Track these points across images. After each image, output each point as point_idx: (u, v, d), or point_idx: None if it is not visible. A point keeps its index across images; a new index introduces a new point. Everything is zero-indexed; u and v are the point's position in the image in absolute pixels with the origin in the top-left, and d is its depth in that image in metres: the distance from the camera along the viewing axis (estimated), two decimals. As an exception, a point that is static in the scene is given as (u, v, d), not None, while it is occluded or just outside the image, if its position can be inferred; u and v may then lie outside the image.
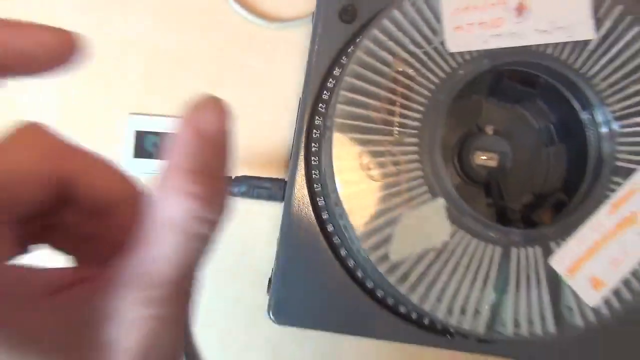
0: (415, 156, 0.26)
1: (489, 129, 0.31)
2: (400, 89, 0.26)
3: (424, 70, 0.27)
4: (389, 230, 0.26)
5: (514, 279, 0.26)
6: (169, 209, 0.13)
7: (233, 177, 0.37)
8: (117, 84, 0.40)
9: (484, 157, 0.31)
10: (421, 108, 0.27)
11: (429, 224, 0.25)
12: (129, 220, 0.14)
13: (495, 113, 0.32)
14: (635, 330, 0.29)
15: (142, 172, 0.39)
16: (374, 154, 0.26)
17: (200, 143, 0.13)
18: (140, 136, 0.40)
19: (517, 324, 0.26)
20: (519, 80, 0.30)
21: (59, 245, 0.17)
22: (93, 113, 0.40)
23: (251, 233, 0.39)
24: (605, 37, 0.27)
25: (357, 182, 0.26)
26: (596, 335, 0.30)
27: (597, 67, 0.27)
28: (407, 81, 0.26)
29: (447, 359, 0.35)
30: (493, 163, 0.31)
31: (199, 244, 0.13)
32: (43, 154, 0.15)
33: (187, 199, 0.13)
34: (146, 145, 0.40)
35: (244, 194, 0.36)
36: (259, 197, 0.36)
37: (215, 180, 0.13)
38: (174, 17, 0.42)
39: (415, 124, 0.26)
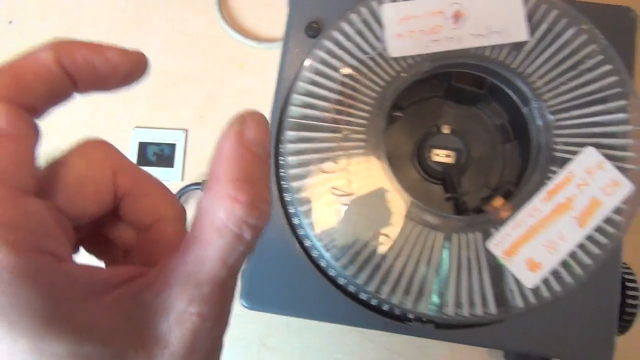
0: (362, 150, 0.29)
1: (446, 129, 0.34)
2: (348, 92, 0.29)
3: (370, 74, 0.30)
4: (337, 218, 0.28)
5: (455, 262, 0.28)
6: (217, 213, 0.14)
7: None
8: (124, 100, 0.45)
9: (440, 154, 0.33)
10: (368, 108, 0.29)
11: (374, 211, 0.28)
12: (166, 237, 0.16)
13: (453, 114, 0.35)
14: (575, 311, 0.30)
15: (144, 178, 0.44)
16: (324, 150, 0.29)
17: (243, 153, 0.14)
18: (143, 147, 0.44)
19: (458, 306, 0.28)
20: (468, 83, 0.32)
21: (93, 249, 0.19)
22: (102, 126, 0.45)
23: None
24: (541, 39, 0.30)
25: (309, 175, 0.29)
26: (550, 316, 0.31)
27: (533, 66, 0.29)
28: (354, 84, 0.29)
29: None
30: (449, 160, 0.33)
31: (243, 247, 0.14)
32: (110, 170, 0.17)
33: (234, 204, 0.14)
34: (148, 154, 0.44)
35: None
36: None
37: (258, 188, 0.14)
38: (179, 43, 0.47)
39: (363, 121, 0.29)
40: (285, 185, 0.34)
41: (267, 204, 0.15)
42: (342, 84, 0.29)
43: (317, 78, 0.30)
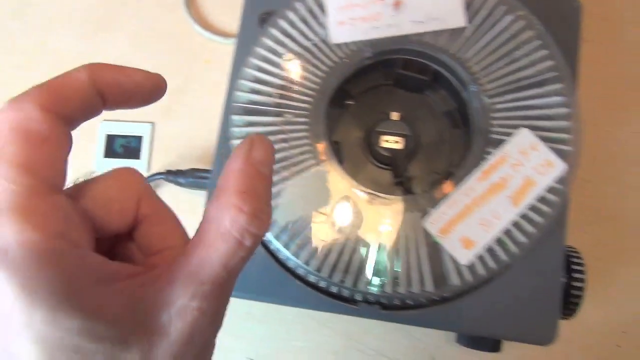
0: (304, 133, 0.30)
1: (395, 116, 0.35)
2: (291, 77, 0.30)
3: (314, 60, 0.31)
4: (279, 200, 0.29)
5: (394, 242, 0.29)
6: (223, 221, 0.16)
7: (184, 169, 0.41)
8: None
9: (389, 141, 0.34)
10: (312, 92, 0.30)
11: (312, 190, 0.29)
12: (168, 263, 0.17)
13: (403, 101, 0.35)
14: (519, 292, 0.31)
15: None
16: (268, 133, 0.30)
17: (250, 170, 0.17)
18: (111, 139, 0.45)
19: (396, 283, 0.28)
20: (413, 71, 0.33)
21: None
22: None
23: (198, 219, 0.43)
24: (479, 25, 0.31)
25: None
26: (495, 297, 0.31)
27: (471, 52, 0.30)
28: (297, 70, 0.30)
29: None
30: (398, 146, 0.34)
31: (244, 253, 0.16)
32: (136, 195, 0.19)
33: (238, 213, 0.16)
34: (115, 146, 0.45)
35: (191, 185, 0.41)
36: (204, 187, 0.40)
37: (261, 201, 0.16)
38: (148, 40, 0.48)
39: (306, 105, 0.30)
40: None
41: (267, 215, 0.17)
42: (286, 69, 0.30)
43: (262, 64, 0.31)
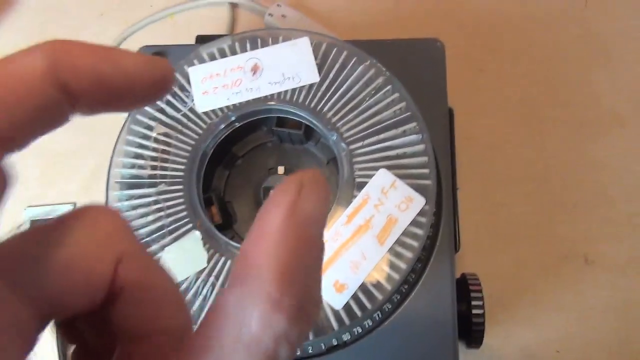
0: (181, 200, 0.31)
1: (281, 170, 0.36)
2: (162, 148, 0.32)
3: (184, 130, 0.32)
4: (160, 266, 0.30)
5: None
6: (249, 322, 0.10)
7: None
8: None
9: (277, 194, 0.35)
10: (184, 160, 0.32)
11: (188, 254, 0.30)
12: (162, 357, 0.12)
13: (289, 155, 0.37)
14: (414, 329, 0.31)
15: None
16: (144, 205, 0.31)
17: (296, 234, 0.11)
18: (35, 224, 0.47)
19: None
20: (289, 126, 0.35)
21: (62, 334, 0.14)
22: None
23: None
24: (334, 78, 0.33)
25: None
26: (392, 336, 0.32)
27: (328, 104, 0.32)
28: (168, 140, 0.32)
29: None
30: (285, 198, 0.35)
31: None
32: (113, 256, 0.12)
33: (275, 312, 0.10)
34: (40, 230, 0.46)
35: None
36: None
37: (309, 286, 0.11)
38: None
39: (179, 174, 0.32)
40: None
41: (317, 307, 0.11)
42: (157, 140, 0.32)
43: (138, 140, 0.33)
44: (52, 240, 0.11)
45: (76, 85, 0.11)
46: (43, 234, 0.12)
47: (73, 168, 0.48)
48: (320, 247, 0.11)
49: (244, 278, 0.11)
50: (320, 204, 0.11)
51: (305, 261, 0.11)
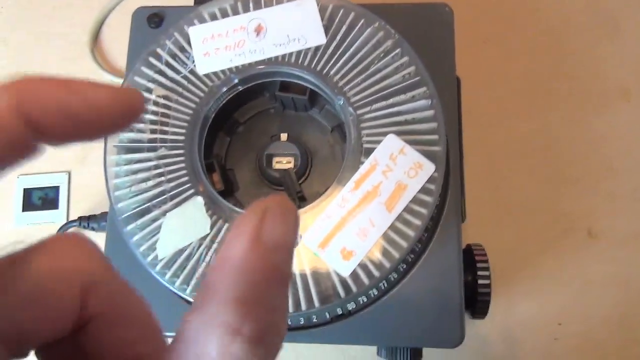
0: (182, 165, 0.30)
1: (283, 136, 0.35)
2: (161, 111, 0.31)
3: (184, 92, 0.31)
4: (161, 234, 0.29)
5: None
6: (207, 349, 0.10)
7: (96, 214, 0.42)
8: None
9: (281, 162, 0.34)
10: (184, 124, 0.31)
11: (191, 220, 0.29)
12: None
13: (291, 122, 0.36)
14: (420, 297, 0.31)
15: (30, 223, 0.44)
16: (144, 170, 0.30)
17: (259, 262, 0.10)
18: (28, 193, 0.45)
19: (284, 302, 0.28)
20: (292, 91, 0.34)
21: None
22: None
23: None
24: (341, 41, 0.31)
25: (129, 196, 0.30)
26: (397, 305, 0.31)
27: (335, 67, 0.31)
28: (168, 103, 0.31)
29: None
30: (288, 165, 0.34)
31: None
32: (80, 285, 0.12)
33: (234, 338, 0.10)
34: (33, 199, 0.45)
35: (105, 229, 0.41)
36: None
37: (272, 314, 0.11)
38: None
39: (180, 138, 0.31)
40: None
41: (280, 336, 0.11)
42: (156, 103, 0.31)
43: (136, 103, 0.31)
44: (17, 273, 0.11)
45: (43, 120, 0.11)
46: (8, 266, 0.11)
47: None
48: (285, 275, 0.11)
49: (205, 304, 0.10)
50: (287, 231, 0.11)
51: (268, 289, 0.11)
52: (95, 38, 0.48)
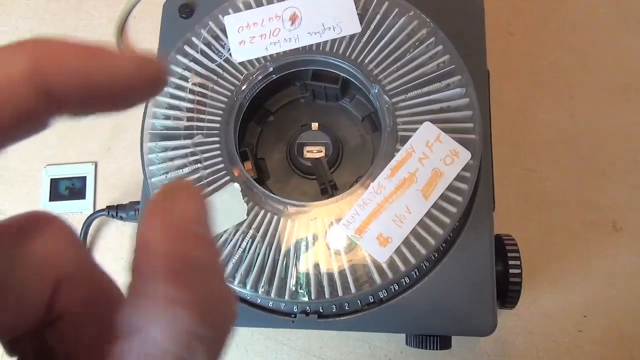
0: (218, 152, 0.30)
1: (314, 125, 0.35)
2: (197, 99, 0.31)
3: (220, 81, 0.31)
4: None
5: (312, 247, 0.29)
6: (149, 334, 0.09)
7: (124, 204, 0.42)
8: (34, 140, 0.47)
9: (312, 151, 0.34)
10: (220, 112, 0.31)
11: (228, 206, 0.29)
12: None
13: (322, 112, 0.36)
14: (453, 286, 0.31)
15: (57, 213, 0.45)
16: (181, 157, 0.30)
17: (178, 234, 0.10)
18: (55, 183, 0.46)
19: (321, 290, 0.29)
20: (324, 81, 0.34)
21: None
22: (14, 168, 0.47)
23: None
24: (375, 29, 0.31)
25: (166, 181, 0.30)
26: (430, 294, 0.31)
27: (370, 56, 0.31)
28: (204, 91, 0.31)
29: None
30: (319, 154, 0.34)
31: None
32: (54, 277, 0.11)
33: (174, 310, 0.09)
34: (60, 189, 0.46)
35: (133, 218, 0.41)
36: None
37: (209, 279, 0.10)
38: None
39: (216, 125, 0.31)
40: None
41: (228, 304, 0.10)
42: (194, 92, 0.31)
43: (173, 91, 0.32)
44: None
45: (61, 90, 0.10)
46: None
47: (93, 127, 0.47)
48: (210, 244, 0.10)
49: (136, 292, 0.10)
50: (195, 204, 0.11)
51: (196, 257, 0.10)
52: (122, 30, 0.49)
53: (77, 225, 0.43)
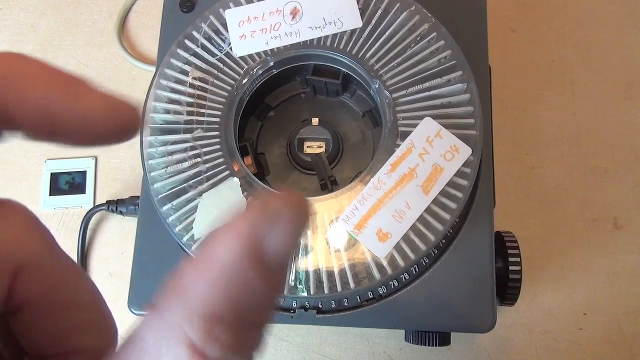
0: (218, 146, 0.30)
1: (315, 121, 0.35)
2: (197, 93, 0.31)
3: (220, 75, 0.31)
4: (196, 214, 0.29)
5: (310, 242, 0.29)
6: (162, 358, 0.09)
7: (124, 198, 0.42)
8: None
9: (312, 146, 0.34)
10: (220, 106, 0.31)
11: (227, 201, 0.29)
12: None
13: (323, 107, 0.36)
14: (452, 283, 0.31)
15: (57, 207, 0.45)
16: (180, 151, 0.30)
17: (249, 277, 0.09)
18: (55, 177, 0.46)
19: (319, 285, 0.28)
20: (325, 76, 0.34)
21: None
22: (14, 162, 0.47)
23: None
24: (376, 24, 0.31)
25: (165, 177, 0.30)
26: (429, 291, 0.31)
27: (371, 51, 0.31)
28: (204, 85, 0.31)
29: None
30: (321, 150, 0.34)
31: None
32: (11, 267, 0.10)
33: (190, 355, 0.08)
34: (60, 184, 0.46)
35: (132, 213, 0.41)
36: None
37: (246, 338, 0.09)
38: (84, 74, 0.49)
39: (216, 120, 0.31)
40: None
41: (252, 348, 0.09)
42: (192, 85, 0.31)
43: (173, 85, 0.31)
44: None
45: (18, 113, 0.09)
46: None
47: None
48: (274, 295, 0.09)
49: (170, 307, 0.09)
50: (293, 242, 0.09)
51: (248, 311, 0.09)
52: (122, 24, 0.49)
53: (77, 220, 0.43)
